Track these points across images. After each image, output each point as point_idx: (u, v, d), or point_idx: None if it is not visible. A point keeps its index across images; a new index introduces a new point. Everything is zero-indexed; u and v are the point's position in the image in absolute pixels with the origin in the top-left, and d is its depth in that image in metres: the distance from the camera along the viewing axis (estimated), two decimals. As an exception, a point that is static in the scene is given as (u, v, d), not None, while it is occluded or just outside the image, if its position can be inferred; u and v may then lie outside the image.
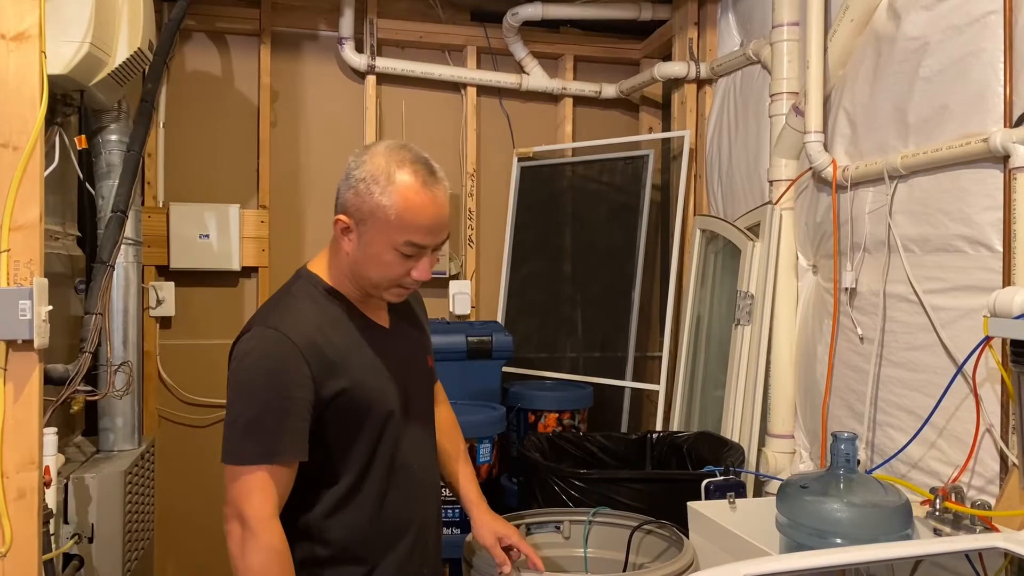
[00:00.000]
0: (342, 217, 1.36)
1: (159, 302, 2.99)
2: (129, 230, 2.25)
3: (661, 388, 2.98)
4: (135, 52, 2.05)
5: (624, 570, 1.89)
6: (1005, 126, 1.70)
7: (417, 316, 1.65)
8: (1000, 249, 1.71)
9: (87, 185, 2.24)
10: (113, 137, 2.30)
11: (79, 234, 2.39)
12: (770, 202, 2.53)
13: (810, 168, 2.31)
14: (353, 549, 1.40)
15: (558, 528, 1.98)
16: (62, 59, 1.86)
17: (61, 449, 2.01)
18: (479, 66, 3.40)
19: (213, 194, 3.12)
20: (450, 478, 1.70)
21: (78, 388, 1.93)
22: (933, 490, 1.66)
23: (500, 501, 2.52)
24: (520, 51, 3.37)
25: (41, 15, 1.46)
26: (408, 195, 1.31)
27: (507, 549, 1.60)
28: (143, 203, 2.80)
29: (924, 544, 1.22)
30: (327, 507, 1.39)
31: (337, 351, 1.37)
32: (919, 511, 1.66)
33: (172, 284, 3.04)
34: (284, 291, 1.45)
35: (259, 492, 1.28)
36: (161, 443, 2.88)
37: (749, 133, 2.76)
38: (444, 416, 1.73)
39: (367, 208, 1.32)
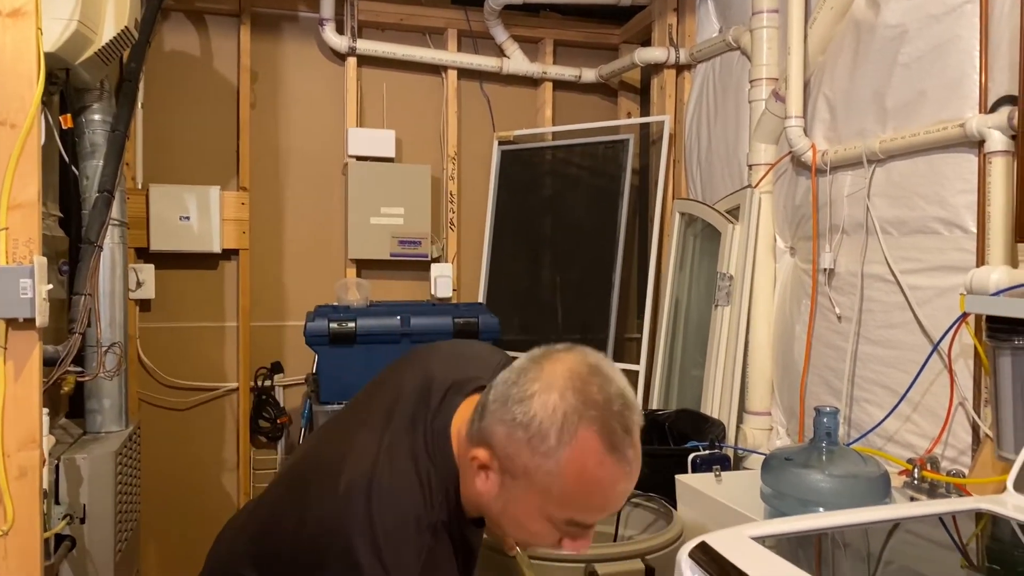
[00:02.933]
0: (482, 454, 0.97)
1: (139, 284, 2.96)
2: (115, 211, 2.24)
3: (641, 368, 3.04)
4: (122, 30, 2.03)
5: (615, 541, 1.94)
6: (980, 112, 1.77)
7: None
8: (974, 230, 1.78)
9: (71, 165, 2.22)
10: (96, 117, 2.27)
11: (61, 215, 2.36)
12: (749, 186, 2.59)
13: (790, 152, 2.37)
14: None
15: (548, 503, 2.03)
16: (49, 37, 1.83)
17: (48, 430, 2.00)
18: (460, 49, 3.41)
19: (193, 176, 3.09)
20: None
21: (69, 369, 1.92)
22: (911, 460, 1.74)
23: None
24: (501, 34, 3.39)
25: (37, -9, 1.45)
26: (588, 465, 0.92)
27: None
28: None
29: (918, 506, 1.30)
30: None
31: None
32: (896, 481, 1.74)
33: (152, 267, 3.02)
34: (423, 491, 1.01)
35: None
36: (142, 425, 2.87)
37: (728, 118, 2.82)
38: None
39: (521, 463, 0.94)
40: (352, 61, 3.25)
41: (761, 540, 1.03)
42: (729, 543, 1.01)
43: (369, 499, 0.97)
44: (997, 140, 1.69)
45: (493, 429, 0.95)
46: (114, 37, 2.03)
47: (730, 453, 2.33)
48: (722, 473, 1.96)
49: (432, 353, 1.18)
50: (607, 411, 0.92)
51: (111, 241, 2.28)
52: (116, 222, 2.30)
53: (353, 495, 0.98)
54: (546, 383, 0.93)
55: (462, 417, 1.03)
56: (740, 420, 2.59)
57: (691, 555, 1.01)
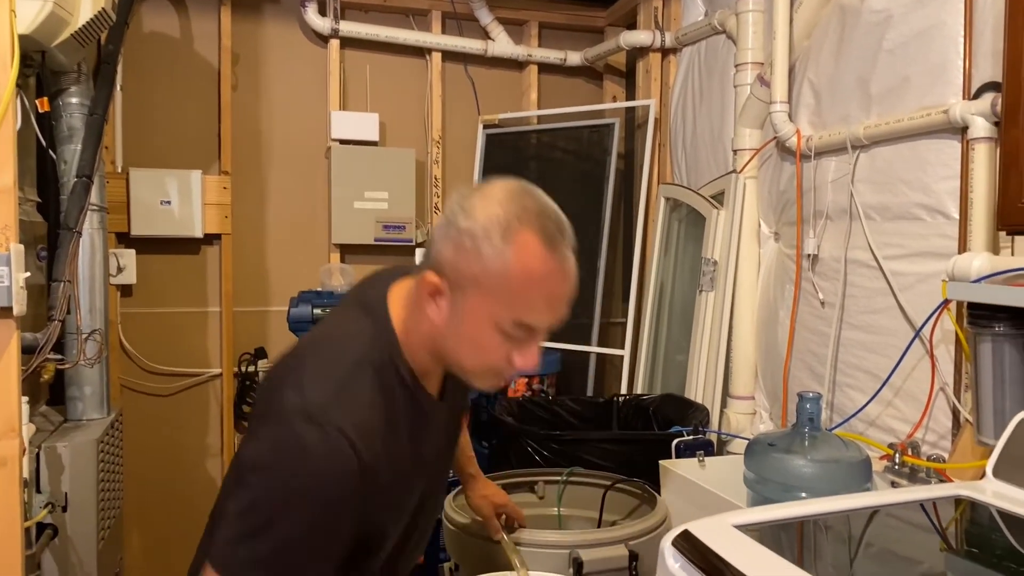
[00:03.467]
0: (433, 277, 1.04)
1: (120, 269, 2.93)
2: (94, 196, 2.21)
3: (625, 353, 3.05)
4: (99, 12, 1.99)
5: (599, 527, 1.95)
6: (964, 98, 1.77)
7: None
8: (956, 217, 1.79)
9: (48, 150, 2.18)
10: (74, 100, 2.23)
11: (39, 200, 2.33)
12: (734, 171, 2.59)
13: (775, 137, 2.37)
14: None
15: (533, 489, 2.03)
16: (24, 18, 1.80)
17: (28, 419, 1.98)
18: (444, 31, 3.38)
19: (174, 159, 3.06)
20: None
21: (48, 356, 1.90)
22: (892, 445, 1.76)
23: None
24: (485, 16, 3.36)
25: (9, -28, 1.42)
26: (529, 261, 1.00)
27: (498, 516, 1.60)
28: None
29: (899, 493, 1.31)
30: None
31: (389, 470, 1.05)
32: (877, 466, 1.75)
33: (133, 252, 2.98)
34: (356, 351, 1.07)
35: None
36: (124, 412, 2.85)
37: (713, 103, 2.81)
38: None
39: (470, 272, 1.01)
40: (335, 43, 3.22)
41: (744, 528, 1.04)
42: (712, 532, 1.02)
43: (306, 358, 1.08)
44: (980, 127, 1.70)
45: (441, 248, 1.04)
46: (91, 19, 1.99)
47: (714, 438, 2.34)
48: (706, 458, 1.97)
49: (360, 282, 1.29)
50: (542, 216, 1.03)
51: (91, 226, 2.25)
52: (95, 207, 2.27)
53: (295, 363, 1.08)
54: (485, 200, 1.03)
55: (396, 292, 1.13)
56: (724, 404, 2.60)
57: (674, 544, 1.02)
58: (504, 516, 1.61)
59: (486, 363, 1.08)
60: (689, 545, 1.00)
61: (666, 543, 1.03)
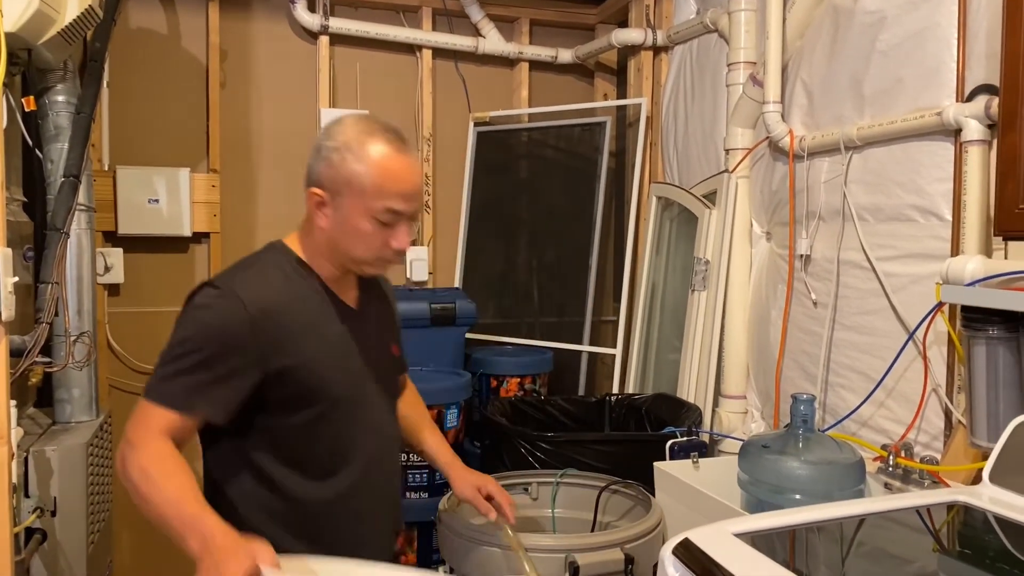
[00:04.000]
0: (316, 191, 1.35)
1: (107, 269, 2.90)
2: (82, 195, 2.17)
3: (617, 352, 3.05)
4: (86, 9, 1.96)
5: (593, 530, 1.95)
6: (957, 100, 1.78)
7: (389, 302, 1.62)
8: (949, 219, 1.80)
9: (35, 149, 2.15)
10: (60, 98, 2.20)
11: (25, 199, 2.30)
12: (726, 170, 2.59)
13: (767, 137, 2.37)
14: (293, 524, 1.36)
15: (526, 490, 2.03)
16: (11, 16, 1.76)
17: (16, 422, 1.96)
18: (434, 28, 3.35)
19: (162, 157, 3.02)
20: (420, 445, 1.72)
21: (36, 360, 1.88)
22: (885, 447, 1.77)
23: (465, 464, 2.56)
24: (476, 13, 3.34)
25: (-4, -29, 1.39)
26: (383, 160, 1.32)
27: (487, 499, 1.63)
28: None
29: (896, 499, 1.31)
30: (271, 478, 1.36)
31: (292, 327, 1.34)
32: (870, 467, 1.76)
33: (120, 251, 2.94)
34: (255, 257, 1.43)
35: (155, 427, 1.26)
36: (113, 413, 2.82)
37: (705, 102, 2.81)
38: (408, 390, 1.74)
39: (342, 178, 1.32)
40: (324, 40, 3.19)
41: (745, 536, 1.04)
42: (713, 540, 1.01)
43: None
44: (974, 129, 1.70)
45: (317, 168, 1.35)
46: (78, 16, 1.96)
47: (706, 438, 2.35)
48: (699, 460, 1.98)
49: None
50: (387, 131, 1.35)
51: (78, 226, 2.22)
52: (83, 207, 2.24)
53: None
54: (342, 125, 1.36)
55: (289, 236, 1.45)
56: (716, 404, 2.60)
57: (674, 552, 1.01)
58: (493, 500, 1.63)
59: (370, 249, 1.36)
60: (689, 554, 1.00)
61: (666, 552, 1.02)
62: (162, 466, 1.22)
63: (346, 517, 1.41)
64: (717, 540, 1.02)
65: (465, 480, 1.66)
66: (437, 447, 1.72)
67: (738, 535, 1.04)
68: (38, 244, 2.21)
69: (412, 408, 1.72)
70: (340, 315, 1.43)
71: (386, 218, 1.33)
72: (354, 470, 1.41)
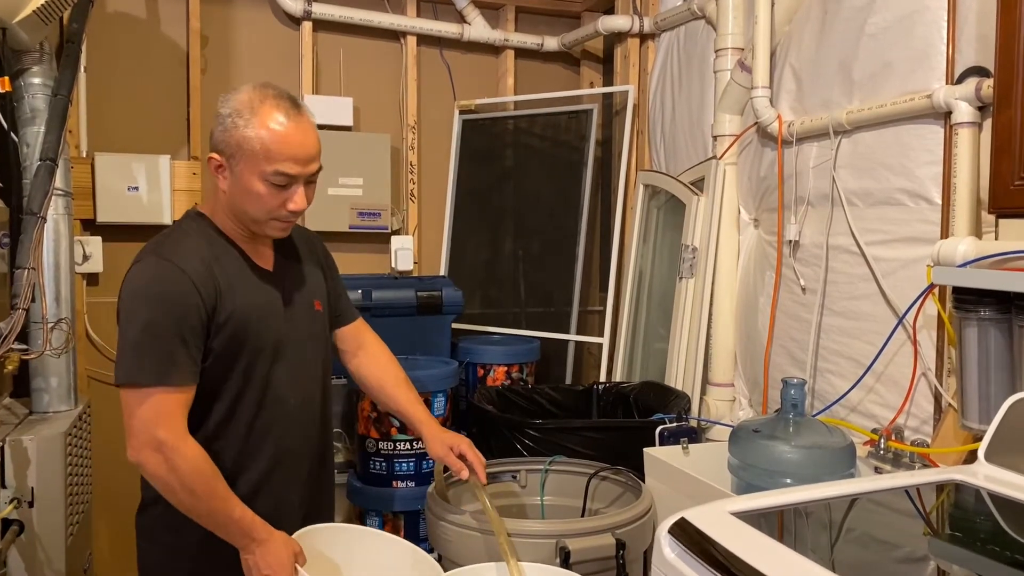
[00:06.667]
0: (213, 155, 1.41)
1: (85, 258, 2.84)
2: (59, 180, 2.12)
3: (604, 341, 3.03)
4: (62, -12, 1.92)
5: (582, 516, 1.93)
6: (947, 83, 1.77)
7: (305, 260, 1.64)
8: (939, 202, 1.79)
9: (10, 132, 2.10)
10: (36, 80, 2.15)
11: (0, 184, 2.24)
12: (714, 157, 2.58)
13: (755, 123, 2.36)
14: (230, 473, 1.43)
15: (515, 477, 2.01)
16: (-17, -7, 1.72)
17: (-8, 411, 1.91)
18: (419, 15, 3.32)
19: (141, 144, 2.96)
20: (396, 406, 1.73)
21: (12, 347, 1.83)
22: (876, 431, 1.76)
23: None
24: (461, 0, 3.30)
25: (-32, -58, 1.35)
26: (271, 125, 1.37)
27: (460, 459, 1.65)
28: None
29: (893, 478, 1.30)
30: (205, 433, 1.42)
31: (224, 281, 1.42)
32: (860, 451, 1.75)
33: (99, 239, 2.89)
34: (174, 227, 1.51)
35: (167, 415, 1.32)
36: (92, 404, 2.77)
37: (692, 88, 2.79)
38: (378, 352, 1.77)
39: (234, 142, 1.37)
40: (307, 25, 3.14)
41: (741, 515, 1.02)
42: (709, 519, 1.00)
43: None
44: (964, 111, 1.70)
45: (215, 135, 1.41)
46: (54, -5, 1.91)
47: (696, 424, 2.33)
48: (689, 446, 1.96)
49: None
50: (279, 96, 1.41)
51: (55, 212, 2.17)
52: (60, 192, 2.19)
53: None
54: (237, 92, 1.41)
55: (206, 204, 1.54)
56: (703, 392, 2.60)
57: (670, 532, 1.00)
58: (466, 460, 1.64)
59: (266, 209, 1.42)
60: (686, 533, 0.98)
61: (662, 531, 1.00)
62: (209, 465, 1.35)
63: (263, 457, 1.48)
64: (714, 519, 1.00)
65: (438, 439, 1.66)
66: (412, 407, 1.72)
67: (735, 514, 1.02)
68: (14, 230, 2.16)
69: (384, 369, 1.75)
70: (258, 274, 1.50)
71: (278, 180, 1.39)
72: (285, 416, 1.51)
